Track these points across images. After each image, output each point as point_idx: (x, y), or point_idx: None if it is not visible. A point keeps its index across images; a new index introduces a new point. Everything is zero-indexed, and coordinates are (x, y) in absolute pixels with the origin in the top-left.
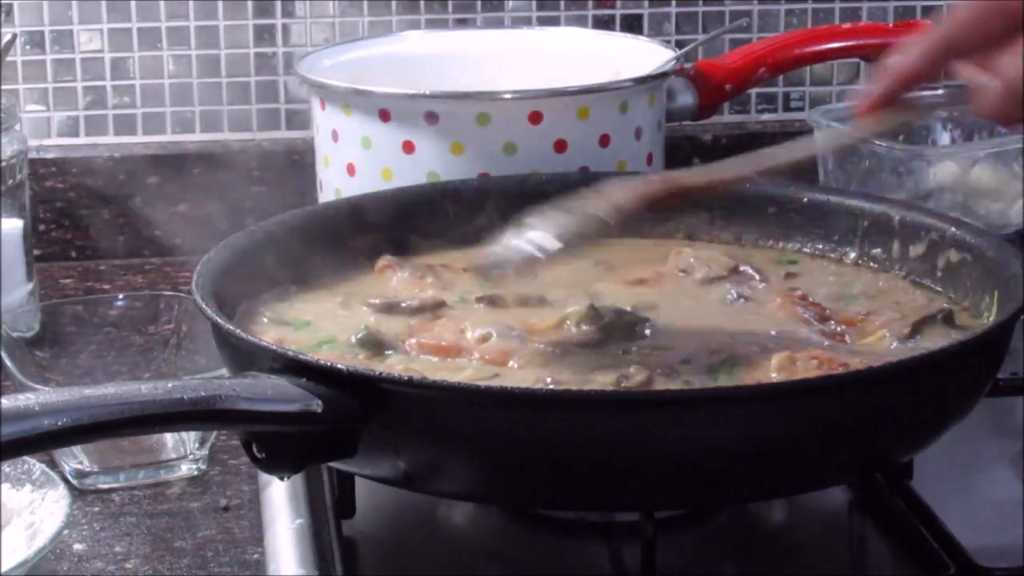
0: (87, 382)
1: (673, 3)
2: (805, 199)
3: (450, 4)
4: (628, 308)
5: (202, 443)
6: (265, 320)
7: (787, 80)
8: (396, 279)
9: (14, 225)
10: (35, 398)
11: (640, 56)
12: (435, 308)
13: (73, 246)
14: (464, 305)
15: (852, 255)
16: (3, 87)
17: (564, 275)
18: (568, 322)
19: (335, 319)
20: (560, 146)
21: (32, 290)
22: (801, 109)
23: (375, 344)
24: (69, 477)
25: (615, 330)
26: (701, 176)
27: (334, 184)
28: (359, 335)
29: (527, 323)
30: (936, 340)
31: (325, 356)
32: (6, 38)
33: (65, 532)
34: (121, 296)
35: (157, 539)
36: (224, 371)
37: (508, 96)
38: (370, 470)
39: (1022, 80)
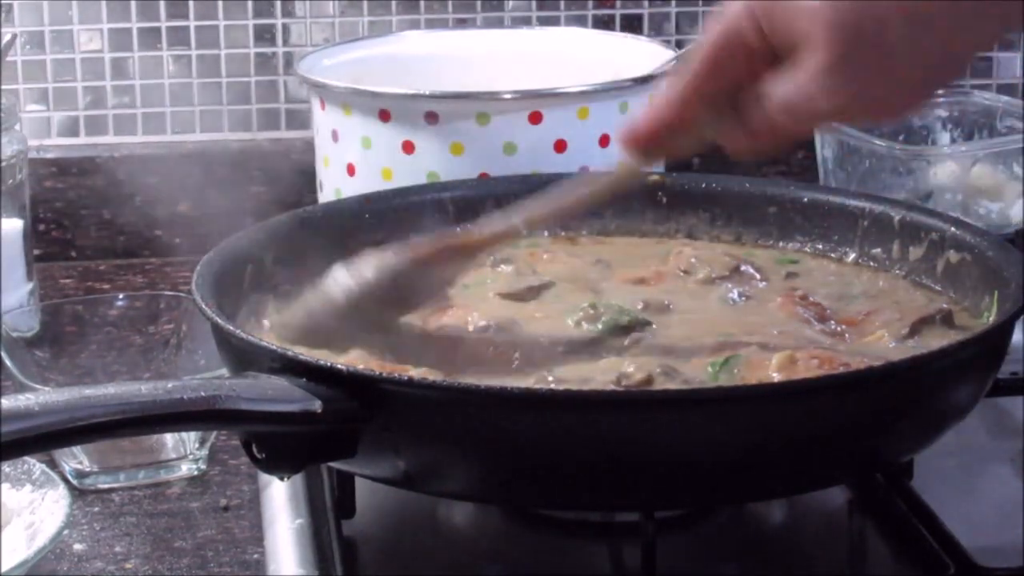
0: (87, 382)
1: (673, 3)
2: (805, 199)
3: (450, 4)
4: (628, 307)
5: (202, 443)
6: (265, 320)
7: None
8: None
9: (14, 225)
10: (35, 398)
11: (640, 56)
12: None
13: (73, 246)
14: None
15: (852, 255)
16: (3, 87)
17: (563, 273)
18: (568, 320)
19: None
20: (560, 146)
21: (32, 290)
22: None
23: None
24: (69, 477)
25: (615, 329)
26: (473, 234)
27: (334, 184)
28: None
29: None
30: (935, 340)
31: (324, 356)
32: (6, 38)
33: (65, 532)
34: (121, 296)
35: (157, 539)
36: (224, 371)
37: (508, 96)
38: (370, 470)
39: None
